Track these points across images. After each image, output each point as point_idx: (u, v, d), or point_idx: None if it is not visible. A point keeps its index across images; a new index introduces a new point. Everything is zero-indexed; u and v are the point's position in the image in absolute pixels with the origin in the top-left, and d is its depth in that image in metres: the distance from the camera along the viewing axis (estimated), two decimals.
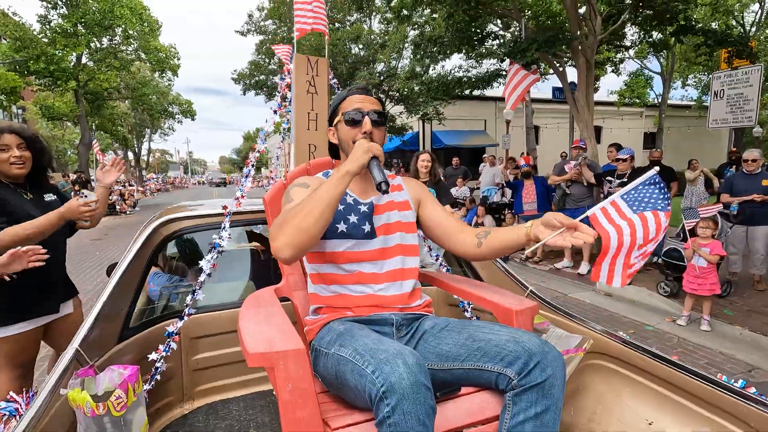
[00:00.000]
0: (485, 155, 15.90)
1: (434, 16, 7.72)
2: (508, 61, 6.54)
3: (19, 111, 24.30)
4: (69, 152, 24.85)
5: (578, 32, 6.22)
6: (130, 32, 17.90)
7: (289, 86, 1.99)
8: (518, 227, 1.23)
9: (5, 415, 1.05)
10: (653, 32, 7.32)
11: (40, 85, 17.26)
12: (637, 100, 21.21)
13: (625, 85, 20.92)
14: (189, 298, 1.60)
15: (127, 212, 17.23)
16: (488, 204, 8.99)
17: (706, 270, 4.14)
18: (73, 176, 17.13)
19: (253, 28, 13.20)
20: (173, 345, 1.54)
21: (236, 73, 13.17)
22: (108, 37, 17.92)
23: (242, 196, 1.72)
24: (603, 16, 6.69)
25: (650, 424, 1.29)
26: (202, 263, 1.62)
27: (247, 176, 1.76)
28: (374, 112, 1.31)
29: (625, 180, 5.16)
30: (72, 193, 14.63)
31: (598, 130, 24.10)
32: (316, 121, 1.94)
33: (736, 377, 3.29)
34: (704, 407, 1.19)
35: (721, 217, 4.79)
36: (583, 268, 5.93)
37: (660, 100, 20.33)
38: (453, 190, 10.45)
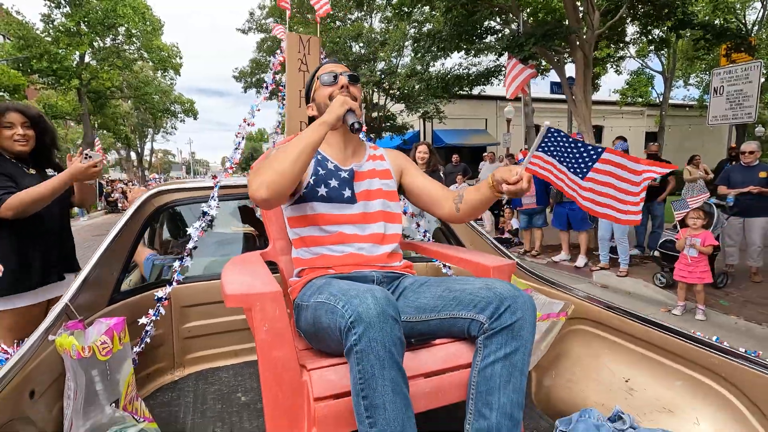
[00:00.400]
0: (486, 153, 15.92)
1: (433, 12, 7.75)
2: (506, 55, 6.56)
3: None
4: (72, 151, 25.00)
5: (576, 26, 6.24)
6: (133, 31, 18.01)
7: (282, 63, 2.03)
8: (482, 184, 1.28)
9: None
10: (653, 28, 7.33)
11: (43, 84, 17.38)
12: (640, 99, 21.20)
13: (627, 84, 20.89)
14: (177, 264, 1.63)
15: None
16: None
17: (697, 259, 4.15)
18: None
19: (254, 26, 13.28)
20: (162, 310, 1.57)
21: (237, 71, 13.26)
22: (111, 36, 18.04)
23: (231, 167, 1.75)
24: (601, 11, 6.71)
25: (627, 381, 1.31)
26: (191, 230, 1.65)
27: (236, 149, 1.79)
28: (347, 74, 1.37)
29: None
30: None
31: (599, 129, 24.08)
32: None
33: None
34: (679, 362, 1.22)
35: (718, 208, 4.79)
36: (580, 261, 5.94)
37: (661, 99, 20.29)
38: (452, 187, 10.49)
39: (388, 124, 15.35)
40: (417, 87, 9.58)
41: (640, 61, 19.83)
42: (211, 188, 1.77)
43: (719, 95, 8.53)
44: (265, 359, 0.95)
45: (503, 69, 8.78)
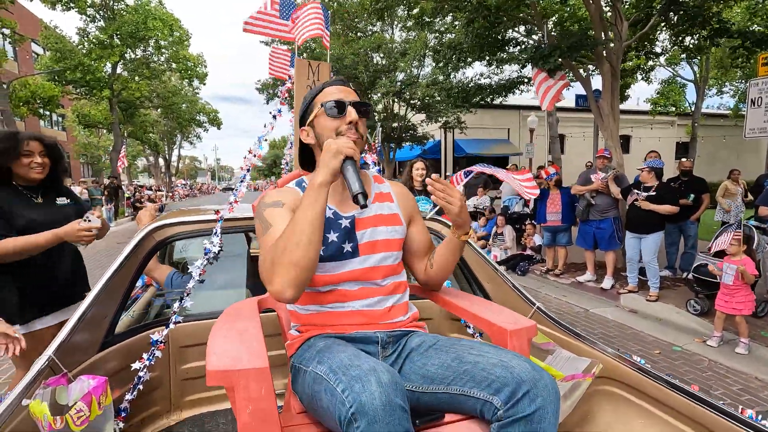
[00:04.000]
0: (509, 165, 15.63)
1: (456, 23, 7.64)
2: (529, 66, 6.38)
3: (59, 119, 25.54)
4: (103, 158, 25.91)
5: (603, 37, 6.02)
6: (162, 43, 18.60)
7: (289, 91, 1.95)
8: (453, 241, 1.25)
9: None
10: (686, 37, 7.01)
11: (77, 94, 18.09)
12: (673, 108, 20.43)
13: (658, 93, 20.21)
14: (176, 305, 1.56)
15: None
16: (509, 214, 8.77)
17: (734, 288, 3.86)
18: (106, 181, 17.82)
19: (276, 39, 13.49)
20: (158, 353, 1.49)
21: (260, 83, 13.44)
22: (141, 47, 18.68)
23: (236, 201, 1.67)
24: (630, 21, 6.46)
25: None
26: (192, 269, 1.57)
27: (241, 181, 1.72)
28: (357, 102, 1.19)
29: (653, 193, 4.91)
30: (96, 197, 15.00)
31: (626, 140, 23.40)
32: None
33: None
34: None
35: (758, 231, 4.47)
36: (607, 282, 5.65)
37: (693, 109, 19.52)
38: (472, 200, 10.27)
39: (409, 134, 15.30)
40: (437, 97, 9.47)
41: (671, 70, 19.16)
42: (214, 221, 1.70)
43: (757, 107, 8.10)
44: None
45: (526, 80, 8.58)
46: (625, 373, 1.32)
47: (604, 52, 6.00)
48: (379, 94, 13.08)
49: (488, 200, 10.00)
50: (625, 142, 23.89)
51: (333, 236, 1.16)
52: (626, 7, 6.38)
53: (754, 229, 4.48)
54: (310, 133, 1.23)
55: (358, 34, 12.58)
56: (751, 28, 8.69)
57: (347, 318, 1.15)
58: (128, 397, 1.44)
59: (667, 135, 23.43)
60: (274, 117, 1.87)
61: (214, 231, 1.64)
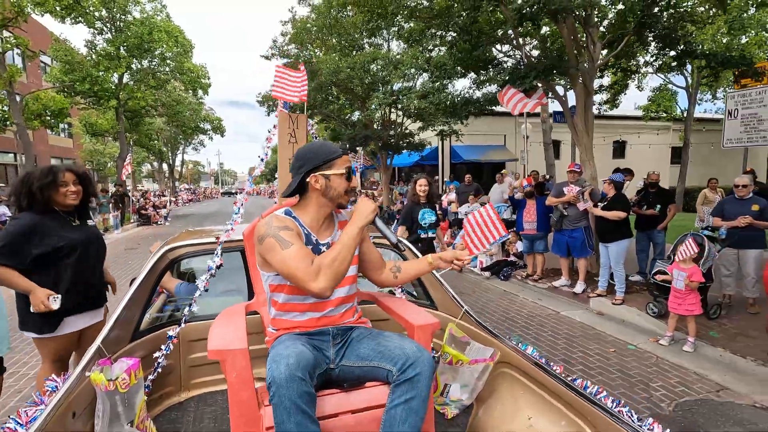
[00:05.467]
0: (504, 170, 16.07)
1: (442, 40, 8.11)
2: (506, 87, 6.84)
3: (66, 126, 26.21)
4: (109, 164, 26.58)
5: (576, 60, 6.49)
6: (167, 54, 19.21)
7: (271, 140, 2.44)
8: (423, 260, 1.70)
9: (48, 390, 1.50)
10: (656, 59, 7.47)
11: (85, 104, 18.72)
12: (664, 114, 20.86)
13: (650, 100, 20.64)
14: (186, 309, 2.05)
15: (158, 222, 18.32)
16: None
17: (685, 292, 4.31)
18: (112, 189, 18.42)
19: (276, 53, 14.04)
20: (172, 346, 1.98)
21: (260, 95, 14.01)
22: (148, 58, 19.30)
23: (232, 229, 2.16)
24: (604, 41, 6.92)
25: (529, 418, 1.62)
26: (198, 282, 2.06)
27: (237, 213, 2.20)
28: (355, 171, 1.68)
29: (605, 203, 5.43)
30: (105, 204, 15.38)
31: (622, 145, 23.81)
32: None
33: (703, 396, 3.48)
34: (567, 408, 1.52)
35: (709, 241, 4.92)
36: (579, 287, 6.11)
37: (686, 115, 19.93)
38: (464, 207, 10.73)
39: (406, 141, 15.81)
40: (428, 108, 9.98)
41: (663, 77, 19.58)
42: (216, 244, 2.18)
43: (734, 118, 8.56)
44: (234, 401, 1.33)
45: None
46: (514, 358, 1.80)
47: (580, 75, 6.47)
48: (375, 104, 13.59)
49: (479, 208, 10.44)
50: (620, 147, 24.30)
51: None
52: (600, 31, 6.85)
53: (705, 239, 4.93)
54: (320, 181, 1.54)
55: (354, 47, 13.11)
56: (720, 49, 9.13)
57: (312, 322, 1.60)
58: (150, 377, 1.93)
59: (662, 141, 23.81)
60: (262, 160, 2.36)
61: (216, 252, 2.12)
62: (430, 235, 4.64)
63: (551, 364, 1.71)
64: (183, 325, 2.05)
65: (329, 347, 1.57)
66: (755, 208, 4.89)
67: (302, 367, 1.29)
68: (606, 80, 10.91)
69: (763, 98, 7.96)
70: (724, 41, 14.04)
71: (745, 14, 13.37)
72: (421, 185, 4.75)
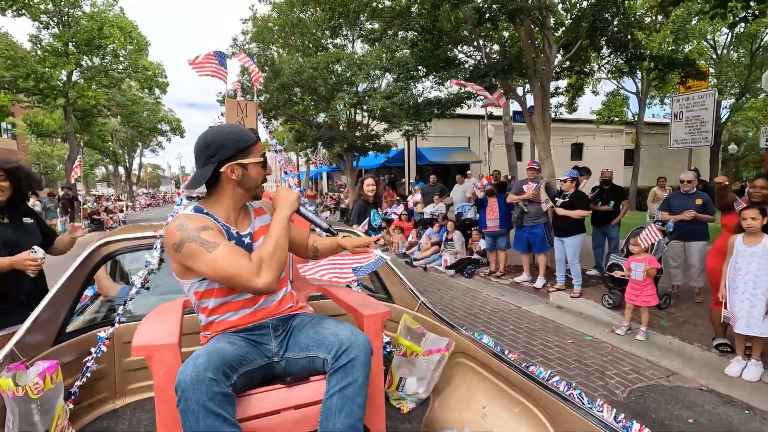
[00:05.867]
0: (469, 171, 16.34)
1: (404, 39, 8.12)
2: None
3: (9, 126, 24.49)
4: (58, 167, 25.03)
5: (534, 62, 6.66)
6: (120, 51, 18.31)
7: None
8: (333, 241, 1.68)
9: None
10: (608, 62, 7.81)
11: (29, 102, 17.53)
12: (616, 119, 21.95)
13: (603, 104, 21.68)
14: (120, 308, 1.88)
15: (112, 227, 17.38)
16: (462, 220, 9.32)
17: (644, 283, 4.47)
18: (61, 192, 17.31)
19: (237, 51, 13.68)
20: (104, 348, 1.81)
21: (221, 95, 13.61)
22: (99, 55, 18.32)
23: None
24: (560, 44, 7.16)
25: (483, 407, 1.58)
26: (134, 278, 1.90)
27: (179, 204, 2.05)
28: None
29: (567, 200, 5.56)
30: (52, 208, 14.50)
31: (579, 147, 24.78)
32: None
33: (655, 382, 3.60)
34: (519, 393, 1.49)
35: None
36: (539, 282, 6.24)
37: (637, 119, 21.02)
38: (429, 207, 10.80)
39: (372, 143, 15.77)
40: (390, 110, 9.98)
41: (615, 83, 20.60)
42: (153, 237, 2.03)
43: (679, 120, 9.06)
44: (161, 400, 1.20)
45: (473, 95, 9.19)
46: (470, 348, 1.76)
47: (536, 75, 6.64)
48: (341, 106, 13.48)
49: (444, 208, 10.53)
50: (578, 150, 25.33)
51: None
52: (556, 36, 7.07)
53: None
54: (237, 171, 1.40)
55: (318, 47, 12.96)
56: (667, 52, 9.65)
57: (246, 319, 1.47)
58: (78, 383, 1.75)
59: (618, 143, 24.99)
60: None
61: (154, 246, 1.97)
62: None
63: (506, 351, 1.68)
64: (117, 325, 1.88)
65: (270, 340, 1.46)
66: (698, 202, 5.15)
67: (214, 366, 1.18)
68: (563, 83, 11.33)
69: (704, 101, 8.48)
70: (670, 49, 14.91)
71: (688, 24, 14.26)
72: (369, 185, 4.75)
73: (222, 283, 1.37)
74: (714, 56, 21.48)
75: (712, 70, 20.67)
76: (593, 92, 19.56)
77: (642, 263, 4.47)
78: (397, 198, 14.11)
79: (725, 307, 3.62)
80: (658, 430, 2.89)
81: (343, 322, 1.45)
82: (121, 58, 18.81)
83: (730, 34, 20.78)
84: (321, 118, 15.78)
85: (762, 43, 19.58)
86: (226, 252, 1.29)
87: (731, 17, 6.63)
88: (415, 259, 8.65)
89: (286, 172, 2.63)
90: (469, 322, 5.08)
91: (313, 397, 1.36)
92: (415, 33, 6.84)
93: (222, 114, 2.30)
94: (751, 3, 6.30)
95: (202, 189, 1.47)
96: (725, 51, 21.66)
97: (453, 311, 5.53)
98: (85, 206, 17.24)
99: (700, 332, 4.41)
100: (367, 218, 4.50)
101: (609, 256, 6.46)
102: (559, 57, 7.15)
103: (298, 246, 1.70)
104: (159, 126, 27.70)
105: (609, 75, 18.89)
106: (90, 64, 18.48)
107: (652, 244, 4.79)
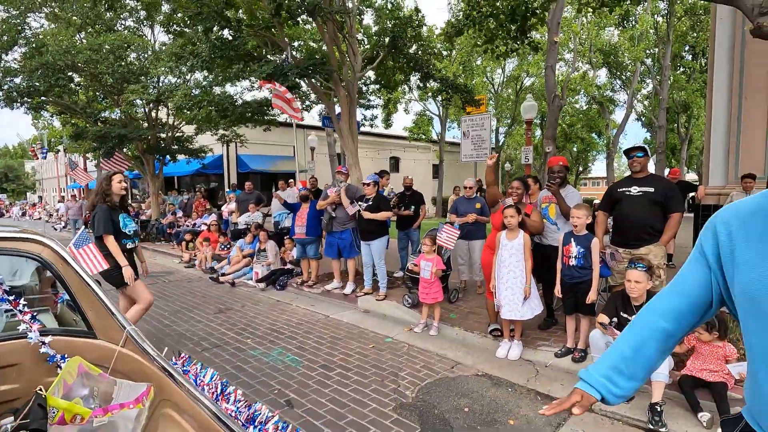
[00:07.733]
0: (291, 180, 15.87)
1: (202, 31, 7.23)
2: (277, 85, 6.52)
3: None
4: None
5: (338, 66, 6.64)
6: None
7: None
8: None
9: None
10: (407, 78, 8.47)
11: None
12: (423, 136, 24.92)
13: (413, 123, 24.33)
14: None
15: None
16: (279, 229, 8.77)
17: (431, 281, 4.71)
18: None
19: None
20: None
21: None
22: None
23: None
24: (363, 56, 7.38)
25: None
26: None
27: None
28: None
29: (370, 203, 5.63)
30: None
31: (396, 160, 27.15)
32: None
33: (441, 375, 3.72)
34: None
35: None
36: (348, 287, 6.17)
37: (439, 138, 24.19)
38: (244, 216, 9.91)
39: (182, 145, 13.81)
40: (193, 108, 8.79)
41: (422, 104, 23.34)
42: None
43: (467, 138, 10.49)
44: None
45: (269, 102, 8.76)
46: (176, 395, 1.26)
47: (341, 79, 6.62)
48: (138, 100, 11.43)
49: (260, 216, 9.81)
50: (396, 163, 27.71)
51: None
52: (362, 47, 7.26)
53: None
54: None
55: (101, 26, 10.68)
56: (453, 79, 11.14)
57: None
58: None
59: (428, 158, 28.26)
60: None
61: None
62: (137, 244, 3.81)
63: (229, 389, 1.24)
64: None
65: None
66: (477, 206, 5.84)
67: None
68: (375, 98, 11.96)
69: (483, 123, 10.04)
70: (459, 79, 17.59)
71: (471, 58, 17.04)
72: (120, 181, 3.71)
73: None
74: (492, 91, 26.56)
75: (492, 102, 25.52)
76: (405, 111, 21.78)
77: (430, 263, 4.73)
78: (209, 207, 12.66)
79: (496, 296, 4.03)
80: (440, 426, 2.91)
81: None
82: None
83: (502, 74, 26.05)
84: (116, 114, 13.04)
85: (522, 85, 25.24)
86: None
87: (500, 50, 7.96)
88: (223, 274, 7.71)
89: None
90: (269, 340, 4.57)
91: None
92: (209, 20, 6.06)
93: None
94: (509, 42, 7.66)
95: None
96: (500, 88, 27.05)
97: (254, 329, 4.94)
98: None
99: (480, 321, 4.87)
100: (113, 230, 3.56)
101: (409, 257, 6.88)
102: (368, 70, 7.40)
103: None
104: None
105: (417, 97, 21.29)
106: None
107: (440, 247, 5.16)
